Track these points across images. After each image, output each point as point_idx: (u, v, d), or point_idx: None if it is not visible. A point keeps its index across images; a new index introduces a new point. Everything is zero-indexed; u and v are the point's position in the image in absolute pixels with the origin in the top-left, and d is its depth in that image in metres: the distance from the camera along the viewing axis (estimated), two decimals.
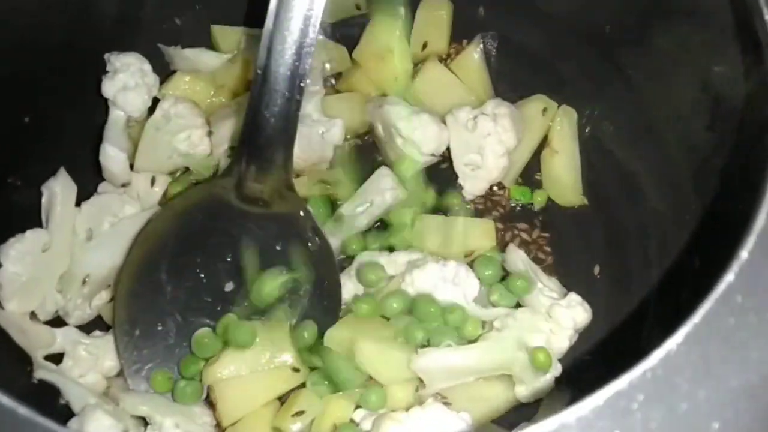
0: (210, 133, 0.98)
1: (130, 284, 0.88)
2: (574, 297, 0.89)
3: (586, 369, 0.91)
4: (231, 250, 0.90)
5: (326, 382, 0.86)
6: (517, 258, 0.93)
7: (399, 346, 0.86)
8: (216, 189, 0.90)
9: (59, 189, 0.92)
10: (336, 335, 0.86)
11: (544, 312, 0.88)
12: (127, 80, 0.94)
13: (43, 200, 0.92)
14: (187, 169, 1.01)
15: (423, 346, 0.87)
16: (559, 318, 0.87)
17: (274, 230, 0.90)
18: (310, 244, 0.91)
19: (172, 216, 0.91)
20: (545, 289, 0.90)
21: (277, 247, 0.90)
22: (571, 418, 0.50)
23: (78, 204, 0.94)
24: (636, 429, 0.50)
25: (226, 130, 0.99)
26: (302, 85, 0.82)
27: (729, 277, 0.55)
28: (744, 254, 0.55)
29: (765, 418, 0.51)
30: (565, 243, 1.01)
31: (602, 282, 0.98)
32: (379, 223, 1.01)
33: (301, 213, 0.91)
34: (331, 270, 0.92)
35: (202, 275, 0.89)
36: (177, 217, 0.90)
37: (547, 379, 0.87)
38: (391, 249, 0.97)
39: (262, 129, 0.83)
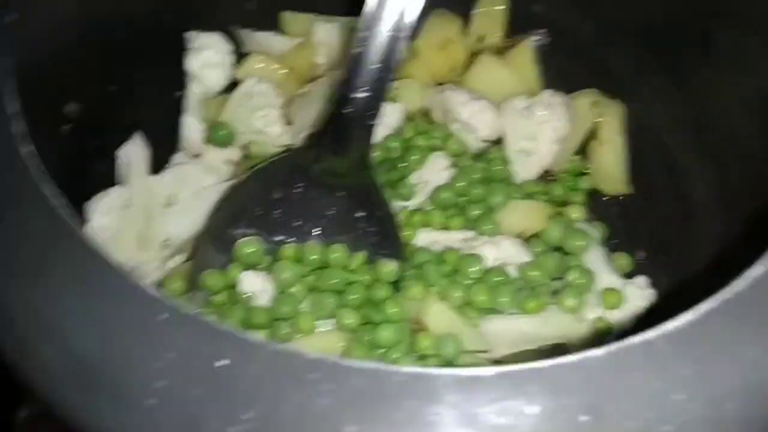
0: (285, 117, 1.04)
1: (208, 248, 0.94)
2: (642, 279, 0.95)
3: None
4: (307, 224, 0.96)
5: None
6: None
7: (464, 314, 0.92)
8: (297, 159, 0.96)
9: (134, 153, 0.99)
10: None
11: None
12: (211, 57, 1.01)
13: (119, 163, 0.99)
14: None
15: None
16: (633, 296, 0.93)
17: (347, 207, 0.96)
18: (377, 223, 0.97)
19: (255, 179, 0.97)
20: (614, 271, 0.96)
21: (347, 224, 0.96)
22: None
23: (156, 172, 1.00)
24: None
25: (305, 117, 1.05)
26: (394, 68, 0.87)
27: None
28: None
29: None
30: (610, 231, 1.06)
31: (645, 268, 1.03)
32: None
33: (373, 187, 0.97)
34: (396, 243, 0.97)
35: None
36: (257, 188, 0.96)
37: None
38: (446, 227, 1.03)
39: (348, 110, 0.88)
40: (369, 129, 0.92)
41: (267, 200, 0.96)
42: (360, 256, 0.95)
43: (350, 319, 0.93)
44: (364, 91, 0.88)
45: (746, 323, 0.55)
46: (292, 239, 0.96)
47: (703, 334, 0.54)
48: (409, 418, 0.49)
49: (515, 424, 0.50)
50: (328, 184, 0.95)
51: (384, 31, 0.85)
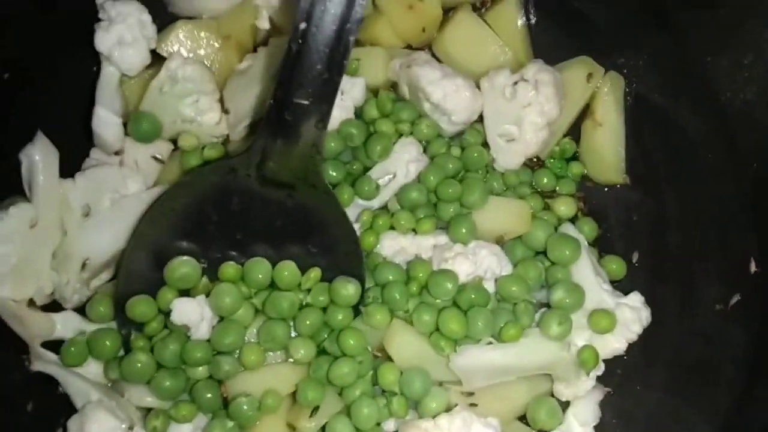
0: (221, 102, 0.87)
1: (137, 266, 0.81)
2: (637, 297, 0.84)
3: (622, 364, 0.87)
4: (249, 239, 0.82)
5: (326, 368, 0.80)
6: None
7: (434, 343, 0.81)
8: (236, 168, 0.80)
9: (39, 155, 0.82)
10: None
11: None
12: (123, 33, 0.83)
13: (23, 169, 0.82)
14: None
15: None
16: (626, 320, 0.82)
17: (296, 219, 0.82)
18: (333, 236, 0.83)
19: (186, 196, 0.81)
20: (605, 285, 0.84)
21: (298, 238, 0.83)
22: None
23: (71, 175, 0.84)
24: None
25: (245, 103, 0.88)
26: (351, 40, 0.72)
27: None
28: None
29: None
30: (602, 225, 0.94)
31: (640, 271, 0.91)
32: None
33: (328, 202, 0.82)
34: (356, 262, 0.84)
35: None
36: (190, 198, 0.81)
37: (590, 378, 0.82)
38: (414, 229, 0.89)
39: (295, 97, 0.73)
40: (321, 122, 0.76)
41: (201, 213, 0.81)
42: (313, 275, 0.82)
43: (304, 351, 0.81)
44: (306, 97, 0.72)
45: None
46: (233, 256, 0.83)
47: None
48: None
49: None
50: (274, 192, 0.81)
51: (328, 22, 0.68)
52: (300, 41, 0.70)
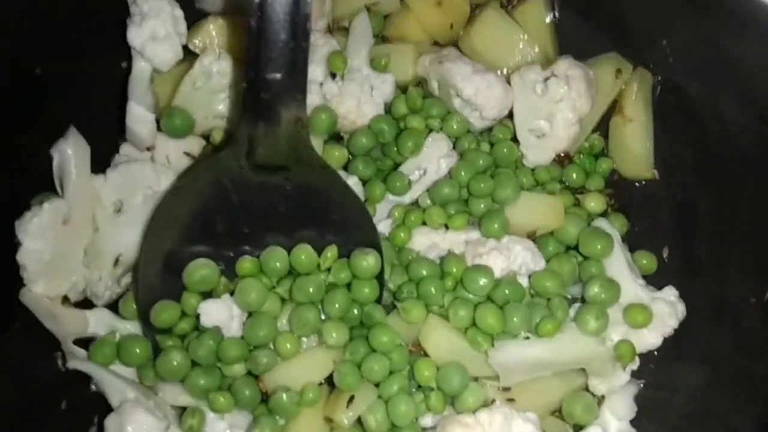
0: None
1: (152, 280, 0.80)
2: (672, 291, 0.84)
3: (654, 359, 0.87)
4: (257, 231, 0.81)
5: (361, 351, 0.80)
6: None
7: (471, 339, 0.81)
8: (226, 162, 0.78)
9: (71, 151, 0.81)
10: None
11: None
12: (156, 28, 0.82)
13: (54, 165, 0.81)
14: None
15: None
16: (662, 314, 0.82)
17: (300, 201, 0.80)
18: (340, 210, 0.82)
19: (184, 201, 0.80)
20: (639, 279, 0.84)
21: (307, 219, 0.82)
22: None
23: (103, 170, 0.83)
24: None
25: None
26: (307, 24, 0.70)
27: None
28: None
29: None
30: (632, 221, 0.94)
31: (671, 266, 0.91)
32: None
33: (321, 168, 0.81)
34: (368, 229, 0.83)
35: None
36: (189, 202, 0.80)
37: (626, 372, 0.82)
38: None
39: (267, 73, 0.71)
40: (297, 100, 0.75)
41: (203, 214, 0.80)
42: (330, 253, 0.81)
43: (336, 334, 0.80)
44: (277, 70, 0.71)
45: None
46: (247, 251, 0.82)
47: None
48: None
49: None
50: (270, 178, 0.79)
51: None
52: (259, 15, 0.68)
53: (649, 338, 0.82)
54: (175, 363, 0.77)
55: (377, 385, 0.80)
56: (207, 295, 0.81)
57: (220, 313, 0.78)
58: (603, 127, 0.96)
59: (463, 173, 0.88)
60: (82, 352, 0.80)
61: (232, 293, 0.81)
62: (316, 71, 0.90)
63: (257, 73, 0.71)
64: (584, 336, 0.81)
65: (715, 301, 0.87)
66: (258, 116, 0.74)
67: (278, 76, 0.71)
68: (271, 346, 0.81)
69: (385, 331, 0.80)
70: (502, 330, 0.80)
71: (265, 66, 0.71)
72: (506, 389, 0.81)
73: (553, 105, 0.90)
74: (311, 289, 0.80)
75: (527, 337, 0.81)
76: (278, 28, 0.69)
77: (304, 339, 0.82)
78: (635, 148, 0.94)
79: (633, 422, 0.84)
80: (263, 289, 0.80)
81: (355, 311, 0.82)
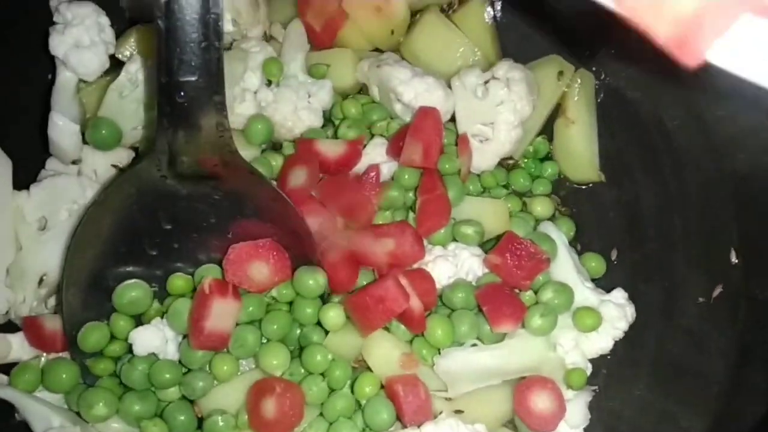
0: None
1: (77, 304, 0.76)
2: (621, 294, 0.83)
3: (606, 364, 0.85)
4: (188, 245, 0.78)
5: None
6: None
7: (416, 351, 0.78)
8: (146, 173, 0.74)
9: None
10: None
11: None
12: (80, 36, 0.79)
13: None
14: None
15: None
16: (611, 317, 0.80)
17: (231, 210, 0.77)
18: (273, 217, 0.78)
19: (106, 217, 0.76)
20: (588, 283, 0.82)
21: (241, 230, 0.78)
22: None
23: (25, 186, 0.79)
24: None
25: None
26: (219, 23, 0.67)
27: None
28: None
29: None
30: (579, 223, 0.92)
31: (620, 268, 0.90)
32: None
33: (256, 182, 0.77)
34: (306, 238, 0.79)
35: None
36: (111, 218, 0.76)
37: None
38: None
39: (181, 75, 0.67)
40: (216, 104, 0.71)
41: (128, 230, 0.76)
42: None
43: (277, 361, 0.76)
44: (191, 72, 0.67)
45: None
46: (179, 268, 0.78)
47: None
48: None
49: None
50: (197, 188, 0.75)
51: None
52: (166, 16, 0.65)
53: (600, 342, 0.80)
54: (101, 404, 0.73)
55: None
56: (138, 317, 0.77)
57: (154, 339, 0.74)
58: (548, 131, 0.95)
59: (406, 176, 0.86)
60: (4, 378, 0.76)
61: (164, 314, 0.77)
62: (251, 79, 0.88)
63: (170, 76, 0.67)
64: (533, 341, 0.79)
65: (664, 302, 0.86)
66: (175, 123, 0.70)
67: (192, 78, 0.68)
68: (207, 368, 0.77)
69: (318, 350, 0.76)
70: (450, 342, 0.78)
71: (179, 68, 0.67)
72: (454, 400, 0.79)
73: (494, 108, 0.88)
74: (251, 308, 0.77)
75: (474, 344, 0.79)
76: (189, 28, 0.66)
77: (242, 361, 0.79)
78: (579, 149, 0.93)
79: (587, 430, 0.82)
80: None
81: (297, 331, 0.79)
